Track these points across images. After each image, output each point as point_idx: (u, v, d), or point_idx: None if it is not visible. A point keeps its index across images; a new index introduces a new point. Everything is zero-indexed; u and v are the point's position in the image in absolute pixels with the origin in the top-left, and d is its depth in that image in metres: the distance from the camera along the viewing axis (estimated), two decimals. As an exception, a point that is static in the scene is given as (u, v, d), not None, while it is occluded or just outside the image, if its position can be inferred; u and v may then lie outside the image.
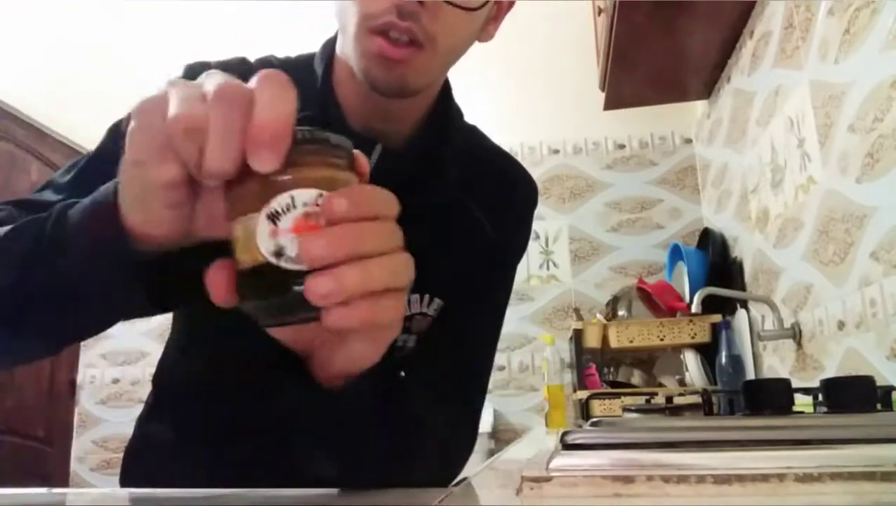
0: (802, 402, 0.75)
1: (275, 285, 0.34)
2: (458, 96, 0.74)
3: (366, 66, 0.59)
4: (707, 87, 2.16)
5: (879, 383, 0.67)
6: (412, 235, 0.65)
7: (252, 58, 0.72)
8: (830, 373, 1.29)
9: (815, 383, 0.72)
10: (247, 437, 0.66)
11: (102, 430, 2.85)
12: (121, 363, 2.89)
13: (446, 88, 0.72)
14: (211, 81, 0.35)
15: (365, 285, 0.34)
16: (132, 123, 0.36)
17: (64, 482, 2.79)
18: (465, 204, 0.71)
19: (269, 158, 0.34)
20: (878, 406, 0.65)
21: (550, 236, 2.58)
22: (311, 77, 0.68)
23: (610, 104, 2.23)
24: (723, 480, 0.33)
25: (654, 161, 2.60)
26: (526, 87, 2.71)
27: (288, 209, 0.33)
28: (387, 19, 0.56)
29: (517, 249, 0.78)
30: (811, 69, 1.35)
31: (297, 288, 0.33)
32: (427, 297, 0.69)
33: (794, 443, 0.43)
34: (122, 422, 2.85)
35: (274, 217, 0.33)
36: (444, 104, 0.71)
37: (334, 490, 0.52)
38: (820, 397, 0.70)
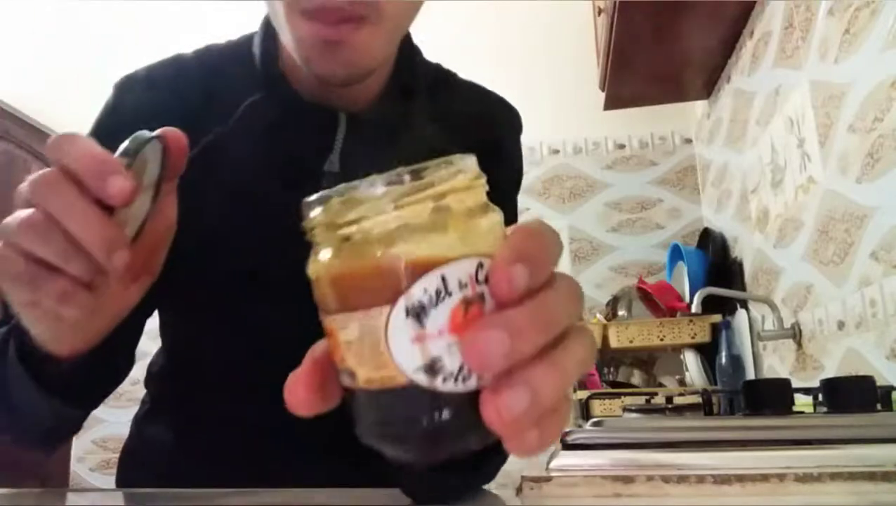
0: (802, 402, 0.75)
1: (426, 412, 0.22)
2: None
3: (306, 56, 0.52)
4: (707, 87, 2.16)
5: (879, 383, 0.67)
6: None
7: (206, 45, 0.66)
8: (830, 373, 1.29)
9: (815, 383, 0.72)
10: (246, 437, 0.65)
11: (102, 430, 2.85)
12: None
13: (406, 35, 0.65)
14: (25, 186, 0.33)
15: (563, 389, 0.24)
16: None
17: (64, 482, 2.79)
18: (447, 150, 0.65)
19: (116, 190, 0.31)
20: (878, 406, 0.65)
21: (550, 236, 2.58)
22: (252, 58, 0.62)
23: (610, 104, 2.23)
24: (723, 480, 0.33)
25: (654, 161, 2.59)
26: (526, 87, 2.71)
27: (439, 297, 0.22)
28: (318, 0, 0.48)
29: (511, 177, 0.74)
30: (811, 69, 1.35)
31: (461, 412, 0.22)
32: None
33: (794, 443, 0.43)
34: (122, 422, 2.84)
35: (419, 312, 0.22)
36: (408, 52, 0.65)
37: (334, 490, 0.52)
38: (820, 397, 0.70)
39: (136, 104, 0.61)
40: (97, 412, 0.58)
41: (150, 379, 0.74)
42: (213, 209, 0.56)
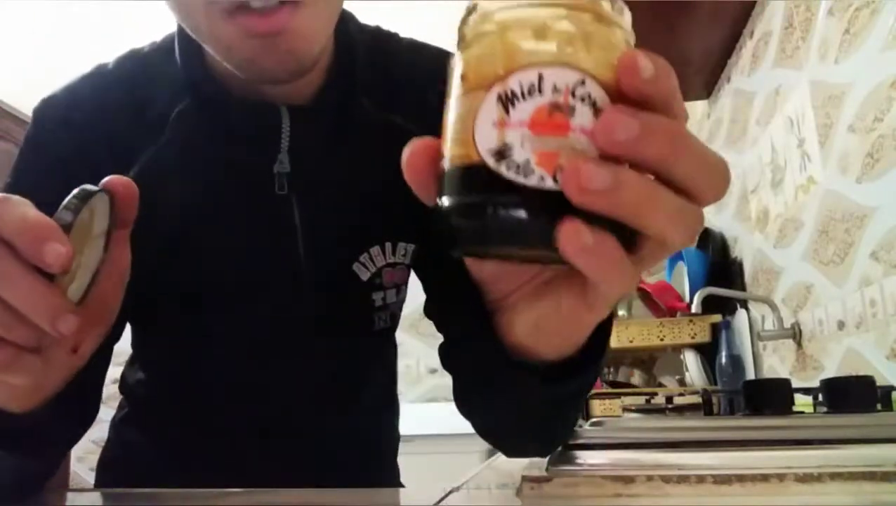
0: (802, 402, 0.75)
1: (489, 193, 0.24)
2: None
3: (243, 60, 0.47)
4: (707, 87, 2.15)
5: (879, 382, 0.67)
6: (352, 187, 0.60)
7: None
8: (830, 373, 1.29)
9: (815, 383, 0.72)
10: (222, 442, 0.65)
11: (102, 430, 2.84)
12: (120, 364, 2.88)
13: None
14: None
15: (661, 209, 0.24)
16: None
17: (64, 482, 2.79)
18: (398, 126, 0.60)
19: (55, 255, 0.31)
20: (878, 406, 0.65)
21: (550, 236, 2.57)
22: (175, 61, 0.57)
23: (610, 104, 2.23)
24: (723, 480, 0.33)
25: (654, 161, 2.59)
26: (526, 88, 2.71)
27: (530, 93, 0.23)
28: None
29: None
30: (811, 69, 1.35)
31: (522, 204, 0.23)
32: (389, 245, 0.61)
33: (794, 443, 0.43)
34: (122, 422, 2.85)
35: (508, 101, 0.23)
36: (342, 26, 0.59)
37: (335, 490, 0.52)
38: (820, 397, 0.70)
39: (58, 134, 0.56)
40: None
41: (125, 387, 0.73)
42: (164, 229, 0.54)
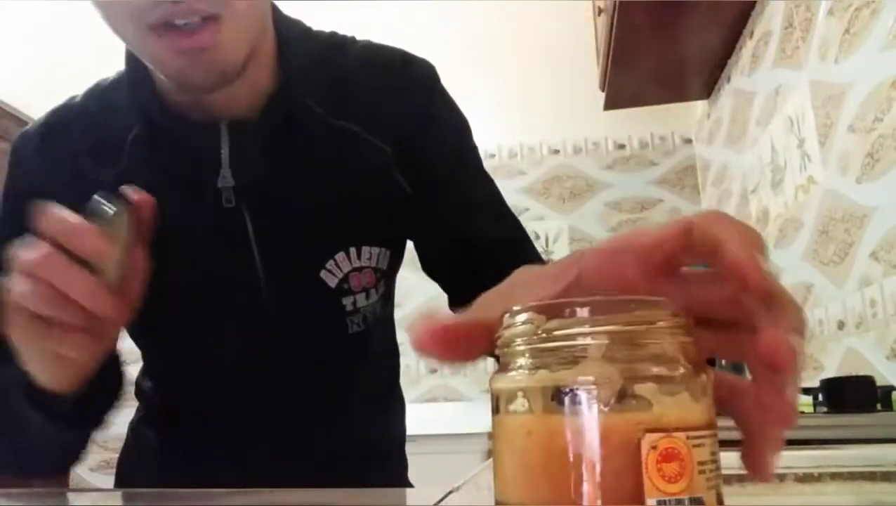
0: (802, 402, 0.75)
1: None
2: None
3: (172, 72, 0.51)
4: (707, 87, 2.15)
5: (879, 383, 0.67)
6: (306, 194, 0.63)
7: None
8: (830, 373, 1.29)
9: (815, 383, 0.72)
10: (232, 443, 0.67)
11: (106, 432, 2.85)
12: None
13: (275, 20, 0.61)
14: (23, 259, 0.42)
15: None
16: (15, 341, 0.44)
17: (64, 482, 2.79)
18: (349, 130, 0.62)
19: None
20: (878, 406, 0.65)
21: (550, 237, 2.58)
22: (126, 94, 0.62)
23: (610, 104, 2.23)
24: (723, 480, 0.33)
25: (654, 161, 2.59)
26: (525, 88, 2.71)
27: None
28: (161, 10, 0.47)
29: (457, 131, 0.69)
30: (811, 69, 1.35)
31: None
32: (353, 249, 0.63)
33: (794, 443, 0.43)
34: (122, 422, 2.83)
35: None
36: (284, 40, 0.61)
37: (335, 490, 0.52)
38: (820, 397, 0.70)
39: (30, 166, 0.64)
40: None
41: (140, 392, 0.76)
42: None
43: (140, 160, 0.60)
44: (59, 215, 0.41)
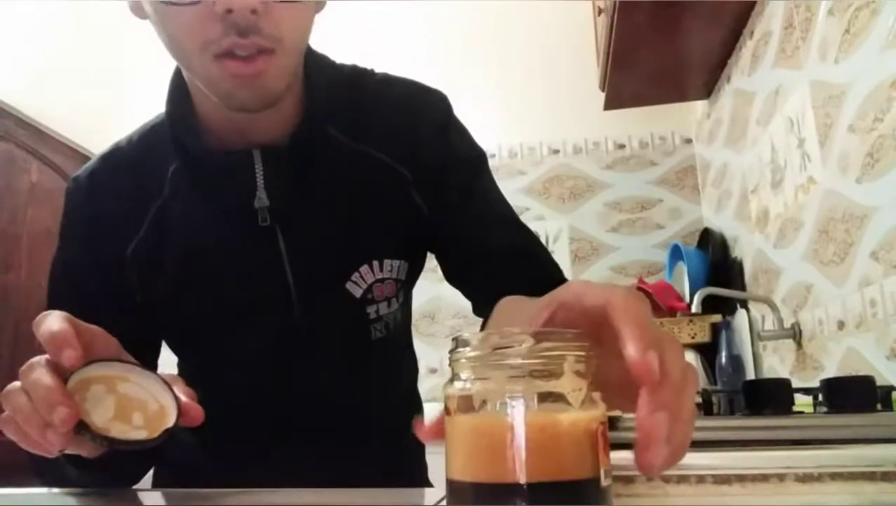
0: (802, 402, 0.75)
1: None
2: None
3: (224, 92, 0.57)
4: (707, 87, 2.15)
5: (879, 382, 0.67)
6: (330, 213, 0.69)
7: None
8: (830, 373, 1.29)
9: (815, 383, 0.72)
10: (260, 443, 0.72)
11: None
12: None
13: (307, 55, 0.67)
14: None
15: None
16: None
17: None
18: (369, 155, 0.68)
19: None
20: (878, 406, 0.65)
21: (550, 236, 2.58)
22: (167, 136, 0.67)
23: (610, 104, 2.23)
24: (723, 480, 0.33)
25: (654, 161, 2.59)
26: (525, 88, 2.71)
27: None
28: (229, 41, 0.54)
29: (471, 162, 0.74)
30: (811, 69, 1.35)
31: None
32: (376, 263, 0.69)
33: (794, 443, 0.43)
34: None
35: None
36: (314, 70, 0.68)
37: (335, 490, 0.52)
38: (820, 397, 0.70)
39: (83, 212, 0.70)
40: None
41: None
42: (172, 269, 0.67)
43: (179, 190, 0.67)
44: (46, 325, 0.45)
